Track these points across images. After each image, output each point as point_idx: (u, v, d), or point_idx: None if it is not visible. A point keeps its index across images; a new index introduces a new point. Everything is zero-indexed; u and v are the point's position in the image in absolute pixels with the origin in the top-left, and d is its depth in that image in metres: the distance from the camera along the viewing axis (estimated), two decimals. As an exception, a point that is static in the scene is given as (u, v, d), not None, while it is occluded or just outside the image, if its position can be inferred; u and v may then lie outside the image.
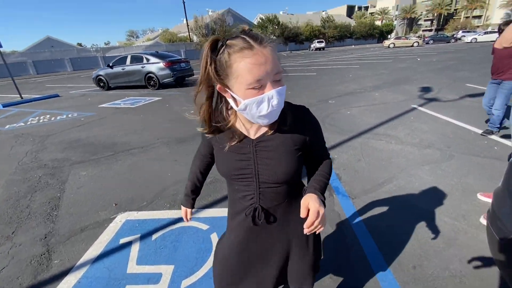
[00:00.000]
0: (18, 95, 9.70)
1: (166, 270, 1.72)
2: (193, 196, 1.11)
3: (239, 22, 38.35)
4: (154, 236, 2.06)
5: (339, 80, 9.26)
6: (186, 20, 37.18)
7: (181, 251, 1.88)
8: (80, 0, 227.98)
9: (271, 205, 0.86)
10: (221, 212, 2.31)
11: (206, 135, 0.85)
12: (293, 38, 43.46)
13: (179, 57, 10.72)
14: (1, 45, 8.66)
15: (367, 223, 2.07)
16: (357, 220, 2.12)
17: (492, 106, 3.47)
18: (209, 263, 1.76)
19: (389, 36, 57.62)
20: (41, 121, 6.27)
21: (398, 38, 34.58)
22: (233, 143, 0.81)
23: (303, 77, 10.77)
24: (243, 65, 0.63)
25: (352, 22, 58.46)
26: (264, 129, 0.80)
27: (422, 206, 2.24)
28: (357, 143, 3.65)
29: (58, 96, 10.15)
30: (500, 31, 3.25)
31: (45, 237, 2.16)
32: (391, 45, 32.18)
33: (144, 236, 2.08)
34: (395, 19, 74.49)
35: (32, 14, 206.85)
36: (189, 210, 1.13)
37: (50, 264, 1.86)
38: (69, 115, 6.62)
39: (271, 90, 0.66)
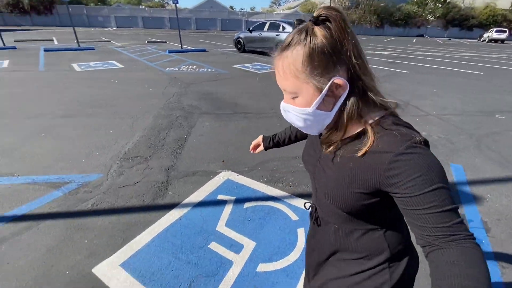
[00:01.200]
0: (179, 45, 12.03)
1: (248, 245, 1.73)
2: (276, 140, 1.05)
3: (392, -4, 33.01)
4: (246, 205, 2.12)
5: (520, 90, 6.63)
6: (332, -10, 34.94)
7: (266, 232, 1.85)
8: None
9: (326, 217, 0.72)
10: (316, 208, 2.12)
11: None
12: (459, 22, 34.06)
13: (314, 30, 10.30)
14: (178, 1, 10.65)
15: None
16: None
17: None
18: (288, 259, 1.65)
19: None
20: (189, 69, 7.55)
21: None
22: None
23: (459, 74, 8.33)
24: None
25: None
26: (343, 143, 0.60)
27: None
28: (530, 187, 2.53)
29: (205, 50, 11.93)
30: None
31: (168, 169, 2.60)
32: None
33: (238, 201, 2.17)
34: None
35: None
36: (262, 146, 1.09)
37: (165, 194, 2.23)
38: (209, 70, 7.66)
39: (282, 101, 0.63)
